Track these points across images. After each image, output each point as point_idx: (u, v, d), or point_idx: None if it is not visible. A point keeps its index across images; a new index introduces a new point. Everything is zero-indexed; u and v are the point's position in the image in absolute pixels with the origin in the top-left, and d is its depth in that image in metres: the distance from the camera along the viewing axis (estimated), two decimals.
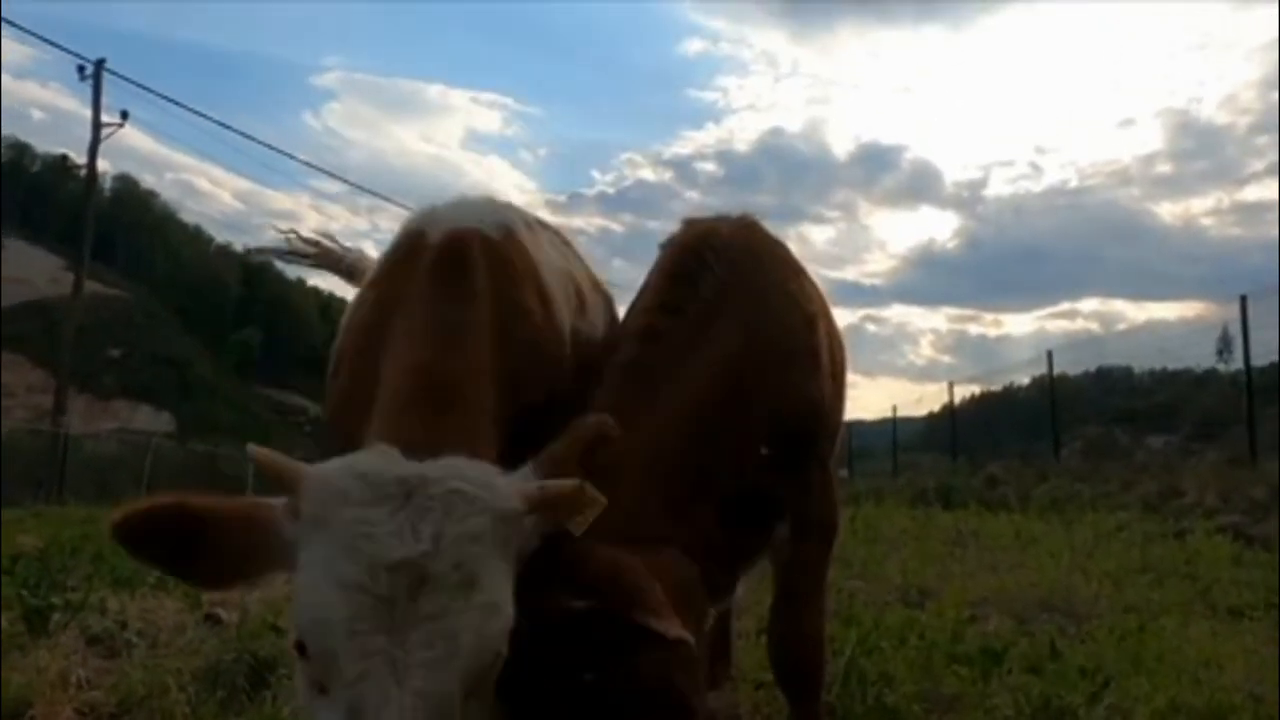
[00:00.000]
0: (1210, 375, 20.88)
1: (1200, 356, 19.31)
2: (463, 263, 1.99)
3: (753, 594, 4.28)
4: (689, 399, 2.05)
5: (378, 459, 1.45)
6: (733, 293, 2.23)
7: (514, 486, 1.49)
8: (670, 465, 1.96)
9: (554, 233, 2.71)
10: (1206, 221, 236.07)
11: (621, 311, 2.61)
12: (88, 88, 27.54)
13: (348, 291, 2.63)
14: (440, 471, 1.43)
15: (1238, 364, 15.07)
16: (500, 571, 1.42)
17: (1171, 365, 22.85)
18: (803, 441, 2.32)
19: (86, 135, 27.64)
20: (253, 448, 1.43)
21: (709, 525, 2.04)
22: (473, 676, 1.35)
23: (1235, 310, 14.30)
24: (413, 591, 1.31)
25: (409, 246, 2.15)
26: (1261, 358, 14.94)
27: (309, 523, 1.37)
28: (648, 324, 2.20)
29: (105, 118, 27.76)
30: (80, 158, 28.78)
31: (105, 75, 27.32)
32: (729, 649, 3.74)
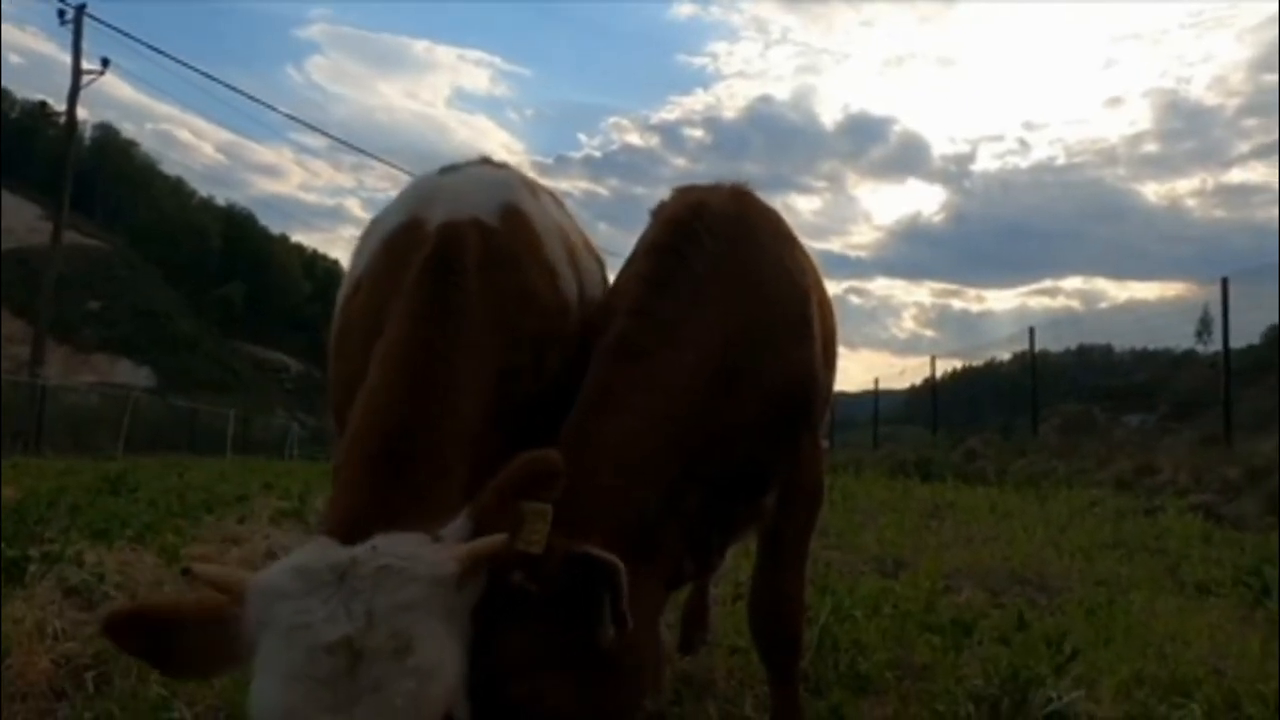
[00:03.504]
0: (1189, 356, 21.05)
1: (1180, 337, 19.43)
2: (455, 264, 1.96)
3: (732, 560, 4.32)
4: (678, 380, 2.02)
5: (313, 551, 1.50)
6: (724, 267, 2.19)
7: (445, 552, 1.51)
8: (658, 451, 1.94)
9: (549, 193, 2.68)
10: (1191, 203, 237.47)
11: (612, 279, 2.59)
12: (67, 33, 27.05)
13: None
14: (370, 551, 1.47)
15: (1216, 345, 15.17)
16: (438, 634, 1.46)
17: (1151, 345, 23.06)
18: (796, 412, 2.31)
19: (66, 82, 27.25)
20: (197, 566, 1.48)
21: (698, 507, 2.04)
22: None
23: (1216, 292, 14.38)
24: (350, 669, 1.37)
25: (407, 235, 2.12)
26: (1240, 340, 15.10)
27: (257, 626, 1.42)
28: (635, 302, 2.14)
29: (85, 64, 27.33)
30: (60, 105, 28.35)
31: (85, 20, 26.79)
32: (706, 615, 3.78)
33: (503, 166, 2.60)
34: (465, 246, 2.00)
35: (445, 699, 1.45)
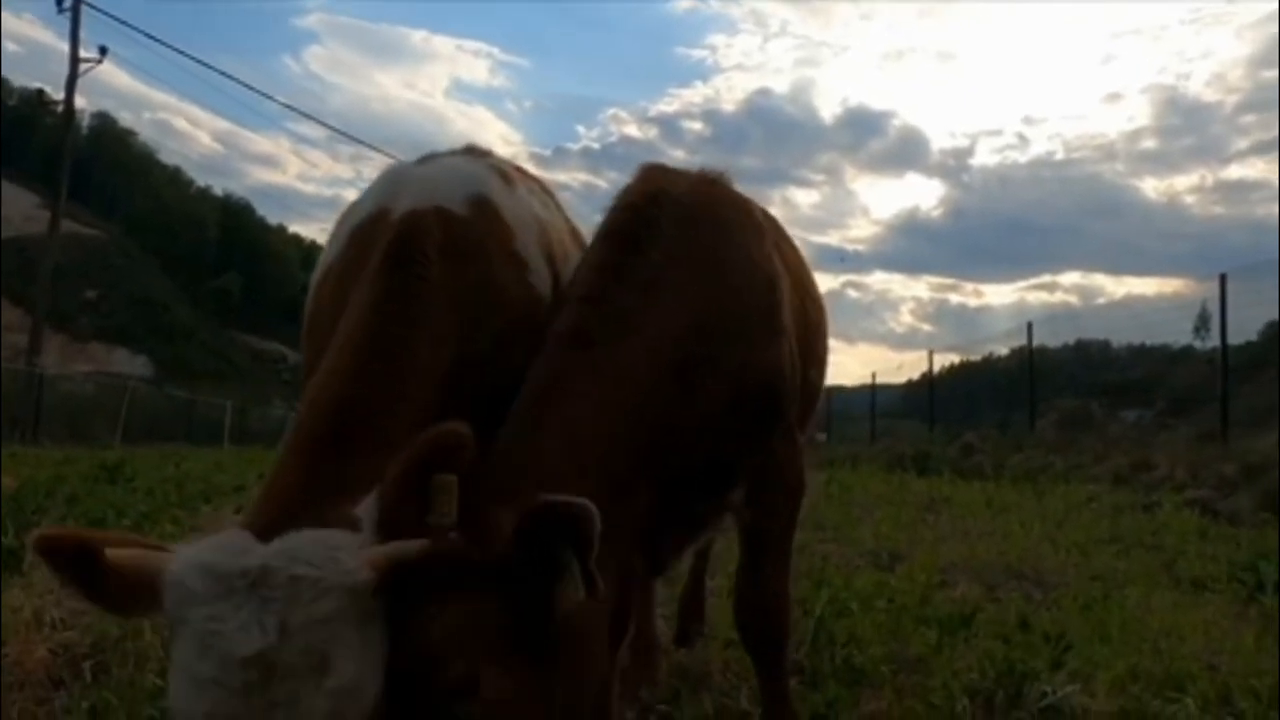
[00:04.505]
0: (1187, 352, 21.10)
1: (1178, 333, 19.50)
2: (415, 254, 1.95)
3: (729, 553, 4.33)
4: (632, 370, 1.95)
5: (225, 549, 1.46)
6: (681, 256, 2.11)
7: (361, 557, 1.47)
8: (610, 441, 1.87)
9: (535, 182, 2.66)
10: (1189, 199, 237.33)
11: None
12: (65, 20, 26.97)
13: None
14: (283, 557, 1.43)
15: (1214, 341, 15.22)
16: (355, 647, 1.43)
17: (1149, 341, 23.09)
18: (764, 410, 2.23)
19: (63, 70, 27.16)
20: (111, 552, 1.44)
21: (651, 501, 1.98)
22: None
23: (1213, 288, 14.41)
24: (265, 681, 1.35)
25: (373, 224, 2.12)
26: (1238, 336, 15.13)
27: (173, 616, 1.42)
28: (587, 290, 2.05)
29: (83, 53, 27.23)
30: (57, 93, 28.27)
31: (83, 9, 26.69)
32: (702, 607, 3.79)
33: (485, 155, 2.58)
34: (426, 236, 1.99)
35: (365, 715, 1.43)
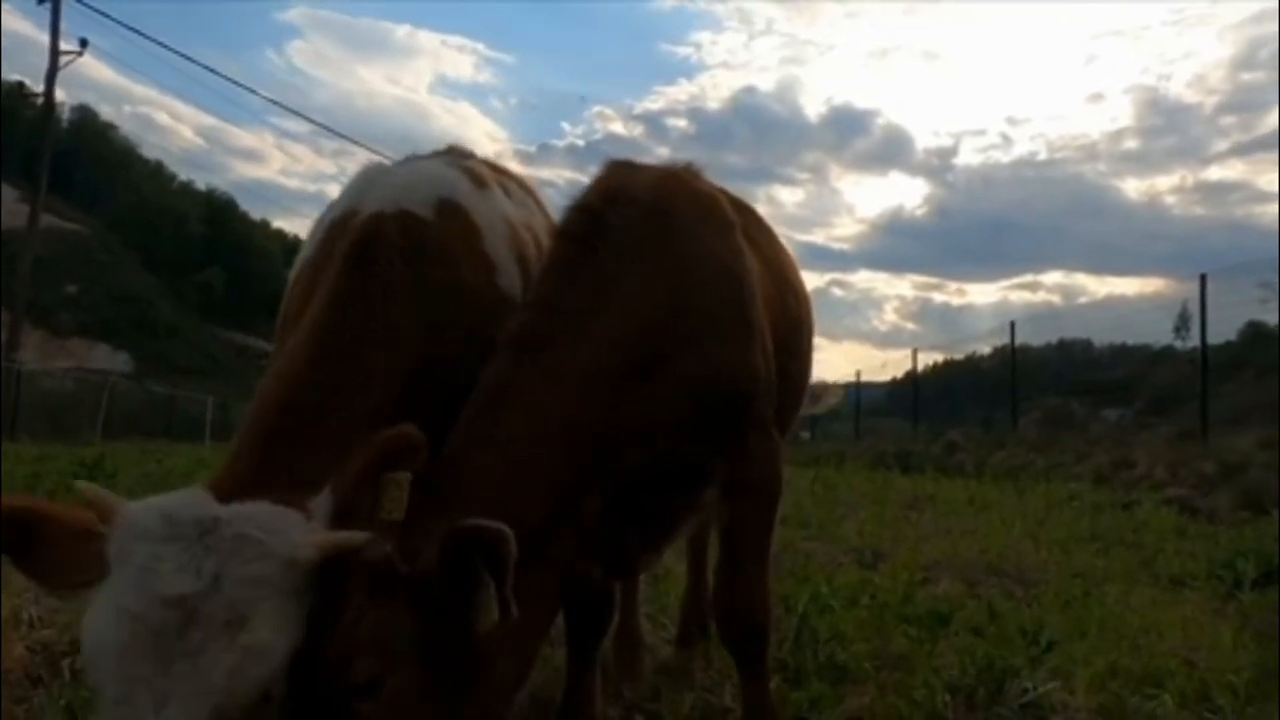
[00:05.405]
0: (1167, 351, 21.33)
1: (1158, 333, 19.74)
2: (375, 256, 1.98)
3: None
4: (580, 374, 1.92)
5: (186, 499, 1.52)
6: (637, 255, 2.07)
7: (309, 536, 1.52)
8: (555, 446, 1.85)
9: (516, 181, 2.67)
10: (1170, 199, 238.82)
11: None
12: (45, 12, 26.70)
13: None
14: (237, 515, 1.48)
15: (1194, 341, 15.38)
16: (278, 614, 1.47)
17: (1130, 340, 23.32)
18: (733, 409, 2.19)
19: (43, 63, 26.92)
20: (81, 485, 1.53)
21: (602, 504, 1.96)
22: (231, 714, 1.41)
23: (1194, 288, 14.57)
24: (181, 627, 1.39)
25: (342, 225, 2.15)
26: (1217, 336, 15.30)
27: (114, 555, 1.45)
28: (537, 293, 2.04)
29: (63, 45, 26.97)
30: (37, 85, 27.98)
31: (64, 0, 26.42)
32: (704, 607, 3.76)
33: (466, 156, 2.60)
34: (385, 239, 2.02)
35: (267, 680, 1.45)
